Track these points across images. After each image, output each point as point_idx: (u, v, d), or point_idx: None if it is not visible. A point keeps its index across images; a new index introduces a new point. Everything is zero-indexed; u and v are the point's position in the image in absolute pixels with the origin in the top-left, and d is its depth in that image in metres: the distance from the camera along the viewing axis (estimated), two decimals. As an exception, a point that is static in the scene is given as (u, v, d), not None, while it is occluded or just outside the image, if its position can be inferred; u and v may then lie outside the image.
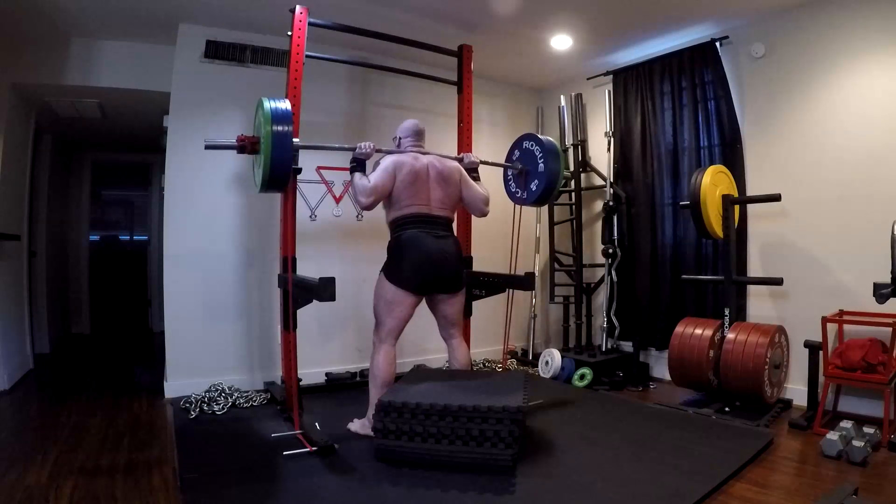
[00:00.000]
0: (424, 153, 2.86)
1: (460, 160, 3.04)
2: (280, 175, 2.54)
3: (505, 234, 3.51)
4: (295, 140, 2.61)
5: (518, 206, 3.38)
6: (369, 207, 2.67)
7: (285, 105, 2.54)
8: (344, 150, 2.84)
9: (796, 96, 3.39)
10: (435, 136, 4.34)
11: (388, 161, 2.73)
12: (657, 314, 4.04)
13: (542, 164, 3.20)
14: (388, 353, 2.68)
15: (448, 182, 2.82)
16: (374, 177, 2.66)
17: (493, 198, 2.92)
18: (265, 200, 3.56)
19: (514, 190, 3.44)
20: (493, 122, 4.80)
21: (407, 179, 2.69)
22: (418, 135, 2.93)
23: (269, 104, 2.51)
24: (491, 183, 3.19)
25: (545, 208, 4.74)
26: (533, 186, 3.26)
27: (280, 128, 2.48)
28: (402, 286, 2.64)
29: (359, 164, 2.70)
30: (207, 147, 2.62)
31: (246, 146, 2.61)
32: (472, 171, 3.05)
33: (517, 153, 3.40)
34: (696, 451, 2.47)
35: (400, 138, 2.96)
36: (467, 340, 3.59)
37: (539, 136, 3.30)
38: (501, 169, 3.53)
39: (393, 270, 2.67)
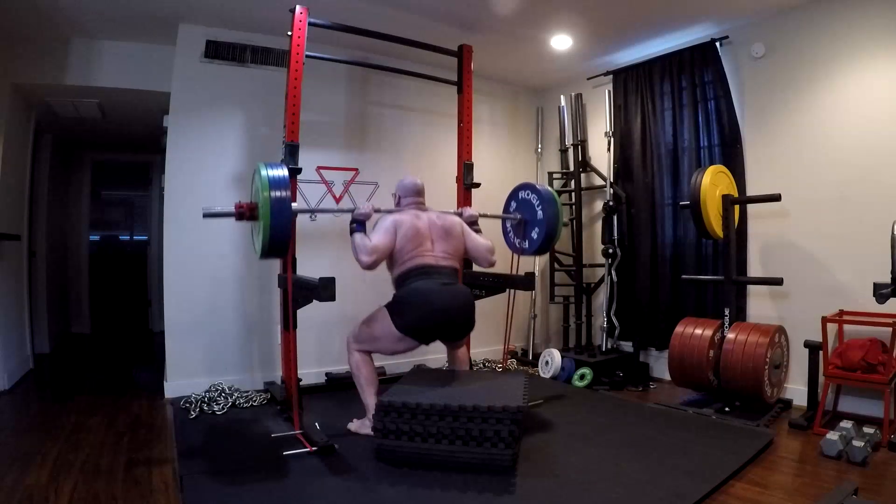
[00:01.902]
0: (424, 210, 2.86)
1: (459, 214, 3.05)
2: (280, 242, 2.44)
3: (503, 233, 3.51)
4: (294, 205, 2.53)
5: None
6: (371, 266, 2.60)
7: (283, 172, 2.46)
8: (343, 212, 2.76)
9: (796, 96, 3.38)
10: (435, 136, 4.37)
11: (387, 220, 2.71)
12: (657, 314, 4.04)
13: (540, 212, 3.16)
14: (363, 356, 2.70)
15: (451, 234, 2.80)
16: (374, 236, 2.62)
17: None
18: (265, 200, 3.56)
19: (514, 240, 3.41)
20: (493, 122, 4.81)
21: (408, 234, 2.67)
22: (418, 192, 2.92)
23: (266, 171, 2.43)
24: (490, 235, 3.14)
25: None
26: (534, 235, 3.22)
27: (278, 194, 2.38)
28: (404, 332, 2.59)
29: (359, 225, 2.65)
30: (206, 216, 2.55)
31: (244, 213, 2.54)
32: (472, 224, 3.02)
33: (514, 204, 3.38)
34: (696, 451, 2.47)
35: (399, 196, 2.94)
36: (467, 341, 3.59)
37: (535, 184, 3.28)
38: (499, 221, 3.49)
39: (398, 316, 2.59)
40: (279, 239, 2.42)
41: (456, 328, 2.69)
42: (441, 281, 2.64)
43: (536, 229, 3.21)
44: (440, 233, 2.77)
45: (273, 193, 2.37)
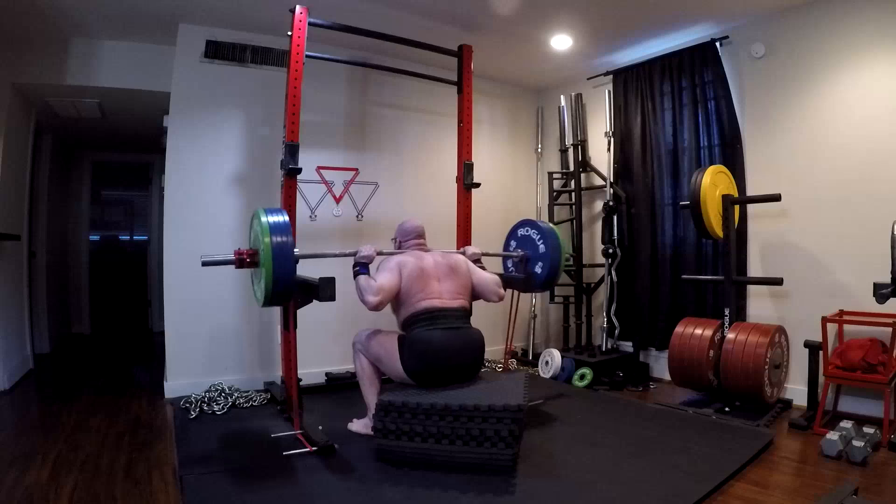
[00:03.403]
0: (427, 250, 2.81)
1: (462, 253, 3.00)
2: (283, 290, 2.36)
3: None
4: (296, 251, 2.44)
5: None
6: (377, 307, 2.48)
7: (283, 217, 2.40)
8: (345, 255, 2.68)
9: (796, 96, 3.39)
10: (435, 136, 4.37)
11: (391, 262, 2.64)
12: (657, 314, 4.04)
13: (542, 246, 3.12)
14: (369, 357, 2.68)
15: (457, 272, 2.72)
16: (379, 277, 2.56)
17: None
18: (265, 200, 3.56)
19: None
20: (493, 122, 4.81)
21: (414, 274, 2.59)
22: (419, 235, 2.87)
23: (265, 218, 2.36)
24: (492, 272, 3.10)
25: (545, 208, 4.75)
26: (538, 269, 3.14)
27: (279, 239, 2.32)
28: (409, 374, 2.52)
29: (362, 268, 2.58)
30: (205, 265, 2.49)
31: (245, 260, 2.47)
32: (475, 262, 2.98)
33: (514, 243, 3.33)
34: (696, 451, 2.47)
35: (400, 241, 2.89)
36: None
37: (535, 220, 3.25)
38: (500, 259, 3.43)
39: (406, 358, 2.52)
40: (282, 287, 2.33)
41: (463, 371, 2.58)
42: (449, 325, 2.54)
43: (540, 263, 3.13)
44: (446, 270, 2.69)
45: (274, 239, 2.30)
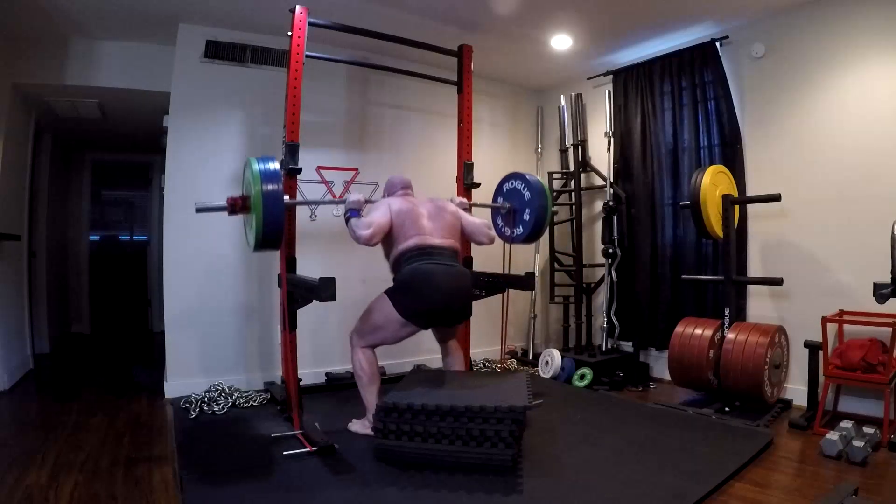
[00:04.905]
0: (413, 196, 2.89)
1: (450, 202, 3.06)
2: (273, 234, 2.44)
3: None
4: (286, 198, 2.55)
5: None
6: (370, 240, 2.56)
7: (274, 165, 2.48)
8: (334, 202, 2.85)
9: (796, 96, 3.39)
10: (435, 136, 4.37)
11: (380, 202, 2.73)
12: (657, 314, 4.04)
13: (528, 196, 3.22)
14: (367, 353, 2.67)
15: (444, 211, 2.80)
16: (370, 215, 2.64)
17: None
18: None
19: (502, 229, 3.45)
20: (493, 122, 4.80)
21: (403, 211, 2.67)
22: (406, 185, 2.93)
23: (257, 165, 2.45)
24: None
25: (545, 208, 4.75)
26: (523, 223, 3.27)
27: (270, 187, 2.40)
28: (406, 317, 2.56)
29: (353, 212, 2.66)
30: (198, 210, 2.56)
31: (237, 206, 2.55)
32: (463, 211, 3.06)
33: (502, 194, 3.42)
34: (696, 451, 2.47)
35: (387, 193, 2.95)
36: (467, 340, 3.60)
37: (524, 174, 3.31)
38: (489, 210, 3.53)
39: (400, 301, 2.57)
40: (272, 231, 2.43)
41: (452, 314, 2.64)
42: (442, 262, 2.60)
43: (526, 217, 3.23)
44: (434, 210, 2.78)
45: (265, 187, 2.39)
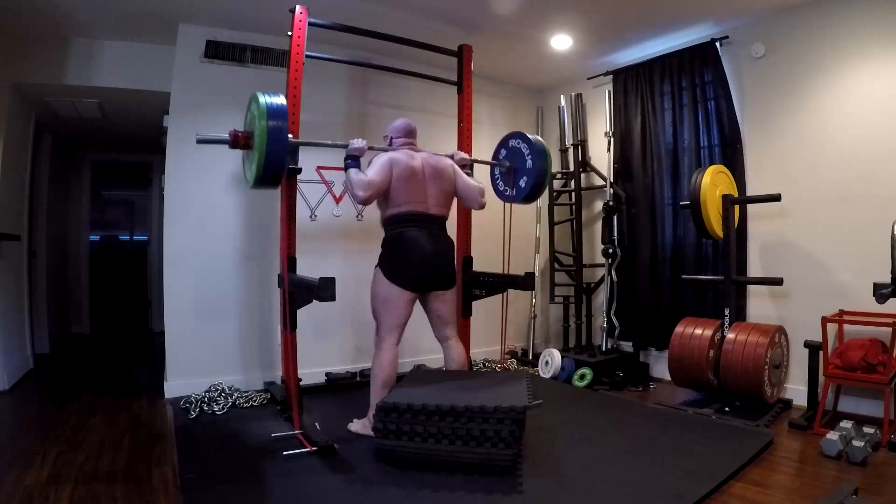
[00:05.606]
0: (417, 150, 2.88)
1: (451, 157, 3.06)
2: (273, 172, 2.46)
3: (501, 233, 3.51)
4: (289, 136, 2.55)
5: (510, 205, 3.39)
6: (367, 201, 2.64)
7: (280, 100, 2.48)
8: (337, 146, 2.83)
9: (796, 96, 3.39)
10: (435, 136, 4.35)
11: (383, 158, 2.74)
12: (657, 314, 4.04)
13: (529, 162, 3.18)
14: (391, 352, 2.67)
15: (443, 177, 2.84)
16: (370, 172, 2.65)
17: (488, 197, 2.94)
18: (265, 200, 3.56)
19: (502, 188, 3.42)
20: (493, 123, 4.80)
21: (403, 175, 2.70)
22: (410, 133, 2.95)
23: (264, 99, 2.44)
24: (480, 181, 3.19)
25: (545, 208, 4.75)
26: (521, 184, 3.23)
27: (275, 123, 2.40)
28: (399, 283, 2.65)
29: (353, 161, 2.70)
30: (199, 141, 2.58)
31: (238, 141, 2.56)
32: (464, 167, 3.07)
33: (504, 151, 3.38)
34: (696, 451, 2.47)
35: (392, 137, 2.96)
36: (467, 340, 3.60)
37: (527, 133, 3.27)
38: (488, 168, 3.50)
39: (389, 267, 2.68)
40: (273, 168, 2.43)
41: (440, 279, 2.75)
42: (432, 231, 2.72)
43: (525, 178, 3.21)
44: (432, 174, 2.80)
45: (270, 122, 2.38)
